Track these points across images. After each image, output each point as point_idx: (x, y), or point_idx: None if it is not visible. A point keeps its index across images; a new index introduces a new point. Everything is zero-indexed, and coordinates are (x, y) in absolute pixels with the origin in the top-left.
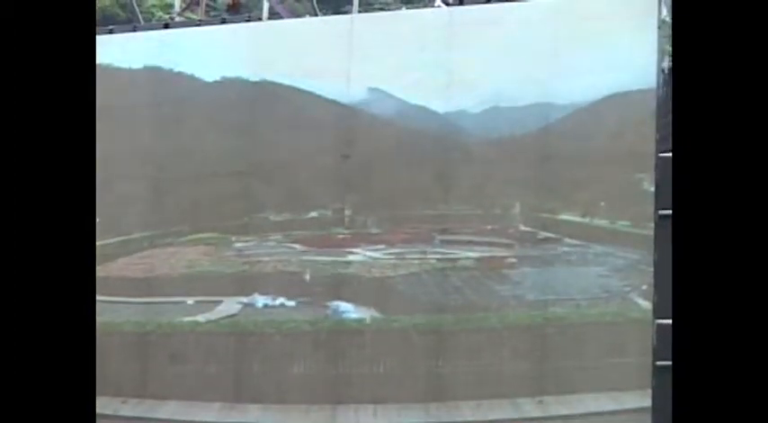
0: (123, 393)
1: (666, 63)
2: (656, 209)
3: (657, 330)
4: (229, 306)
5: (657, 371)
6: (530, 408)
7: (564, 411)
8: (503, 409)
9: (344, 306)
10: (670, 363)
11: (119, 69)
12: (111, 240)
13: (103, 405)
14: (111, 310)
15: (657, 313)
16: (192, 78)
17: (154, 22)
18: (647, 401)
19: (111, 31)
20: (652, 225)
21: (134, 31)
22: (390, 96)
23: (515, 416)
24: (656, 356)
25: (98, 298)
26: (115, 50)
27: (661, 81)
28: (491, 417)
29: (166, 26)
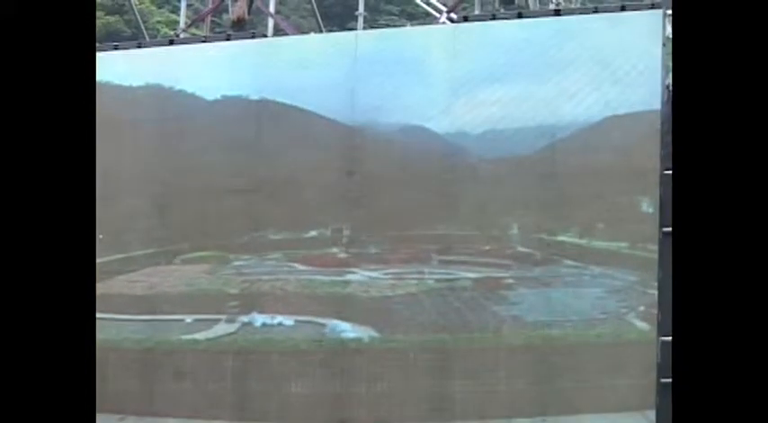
0: (121, 410)
1: (671, 80)
2: (661, 226)
3: (662, 347)
4: (228, 324)
5: (662, 388)
6: None
7: None
8: None
9: (342, 326)
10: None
11: (120, 86)
12: (111, 258)
13: (101, 422)
14: (110, 327)
15: (661, 331)
16: (192, 96)
17: (159, 38)
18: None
19: (116, 47)
20: (650, 246)
21: (139, 47)
22: (393, 115)
23: None
24: (660, 374)
25: (97, 315)
26: (119, 67)
27: (665, 98)
28: None
29: (171, 42)
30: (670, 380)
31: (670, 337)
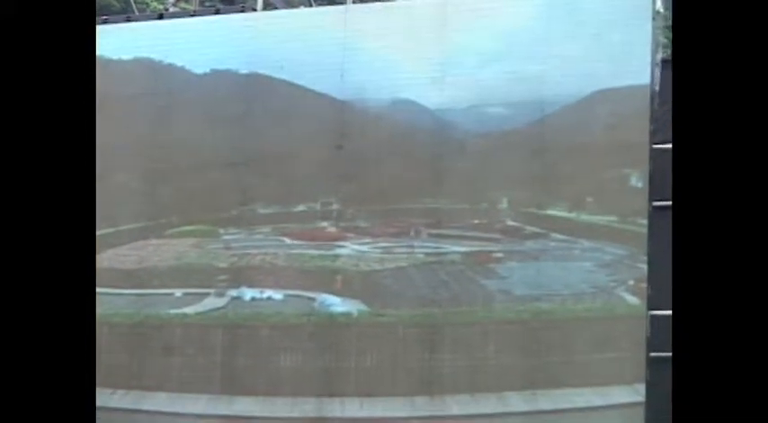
0: (111, 384)
1: (660, 55)
2: (651, 200)
3: (651, 322)
4: (217, 298)
5: (651, 362)
6: (516, 401)
7: (551, 405)
8: (489, 403)
9: (331, 299)
10: (663, 354)
11: (110, 60)
12: (100, 232)
13: None
14: (99, 302)
15: (651, 305)
16: (182, 71)
17: (148, 12)
18: (634, 396)
19: (105, 21)
20: (639, 220)
21: (128, 21)
22: (382, 89)
23: (502, 410)
24: (650, 348)
25: None
26: (108, 41)
27: (655, 73)
28: (478, 411)
29: (161, 17)
30: (660, 354)
31: (660, 312)
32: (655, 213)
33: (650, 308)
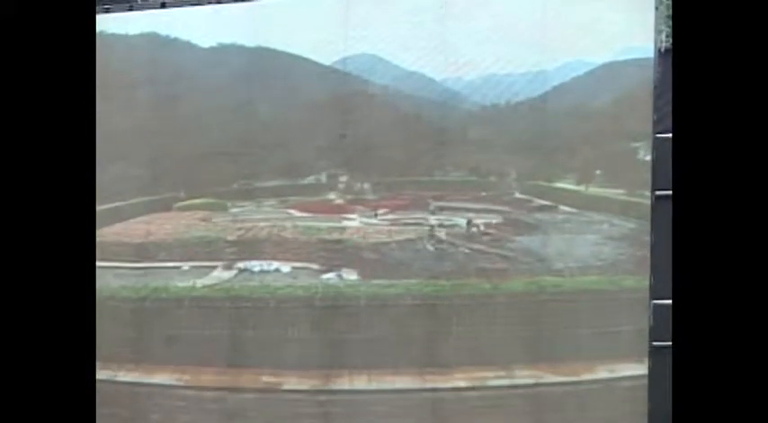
0: (118, 359)
1: (664, 43)
2: (653, 190)
3: (654, 311)
4: (225, 271)
5: (654, 351)
6: (523, 374)
7: (557, 379)
8: (496, 376)
9: (339, 271)
10: (665, 343)
11: (111, 48)
12: (107, 206)
13: (99, 370)
14: (105, 275)
15: (654, 294)
16: (184, 57)
17: (151, 0)
18: (641, 369)
19: (107, 11)
20: (647, 193)
21: (130, 10)
22: (387, 65)
23: (508, 383)
24: (653, 337)
25: None
26: (110, 28)
27: (657, 61)
28: (484, 384)
29: (163, 5)
30: (662, 343)
31: (663, 301)
32: (658, 203)
33: (653, 297)
